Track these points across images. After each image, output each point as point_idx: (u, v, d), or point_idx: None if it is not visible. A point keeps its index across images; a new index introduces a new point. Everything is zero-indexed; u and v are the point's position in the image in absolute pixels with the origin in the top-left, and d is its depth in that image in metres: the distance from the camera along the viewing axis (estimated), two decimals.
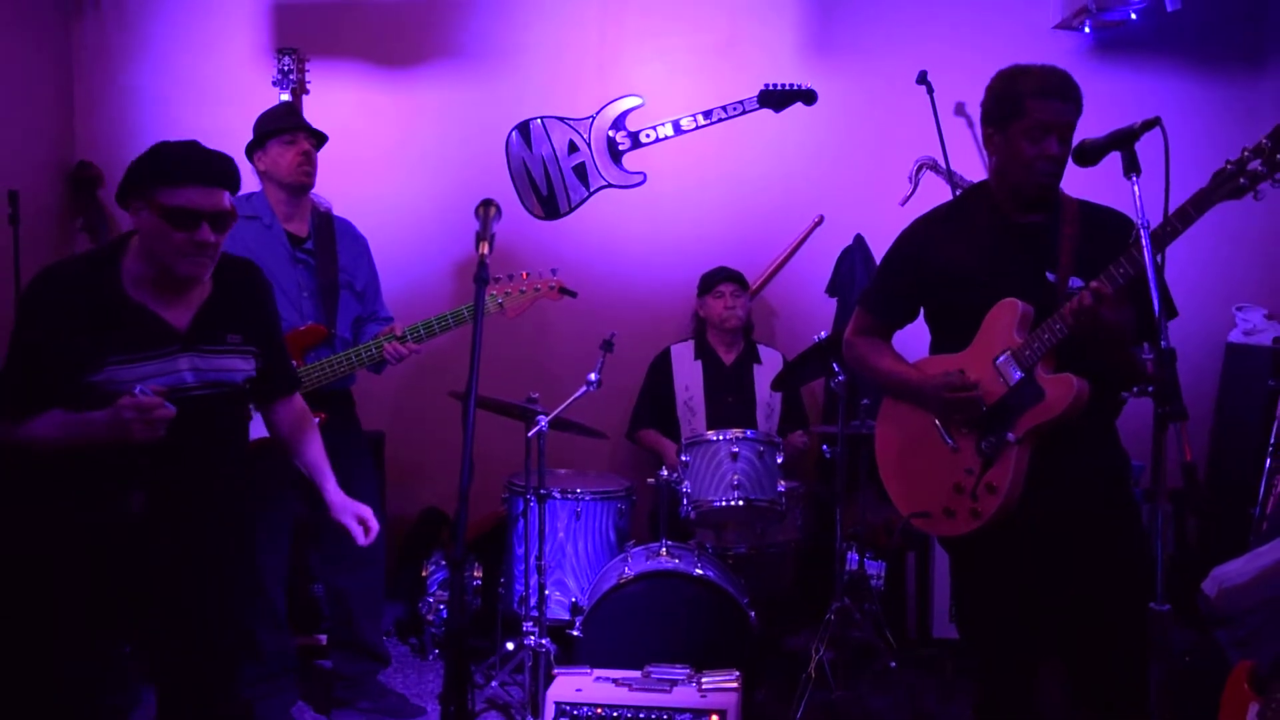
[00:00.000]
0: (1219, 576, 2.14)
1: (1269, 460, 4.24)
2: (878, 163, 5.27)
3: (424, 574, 4.68)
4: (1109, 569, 2.71)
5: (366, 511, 2.90)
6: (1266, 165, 2.32)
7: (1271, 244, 5.23)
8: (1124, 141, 2.35)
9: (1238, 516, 4.48)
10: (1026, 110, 2.68)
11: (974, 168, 5.16)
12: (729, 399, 4.85)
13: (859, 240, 5.23)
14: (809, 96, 5.25)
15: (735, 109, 5.26)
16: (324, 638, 4.43)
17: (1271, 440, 4.31)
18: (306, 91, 4.68)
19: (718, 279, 4.89)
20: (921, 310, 3.00)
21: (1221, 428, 5.10)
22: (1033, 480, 2.71)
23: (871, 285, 3.10)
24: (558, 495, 4.35)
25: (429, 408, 5.19)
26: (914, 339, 3.10)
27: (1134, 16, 4.92)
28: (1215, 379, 5.20)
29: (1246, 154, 2.34)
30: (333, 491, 2.89)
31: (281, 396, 2.90)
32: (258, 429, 2.93)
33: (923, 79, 5.07)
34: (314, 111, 4.50)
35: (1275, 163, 2.31)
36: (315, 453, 2.92)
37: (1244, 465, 4.66)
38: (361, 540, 2.88)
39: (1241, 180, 2.34)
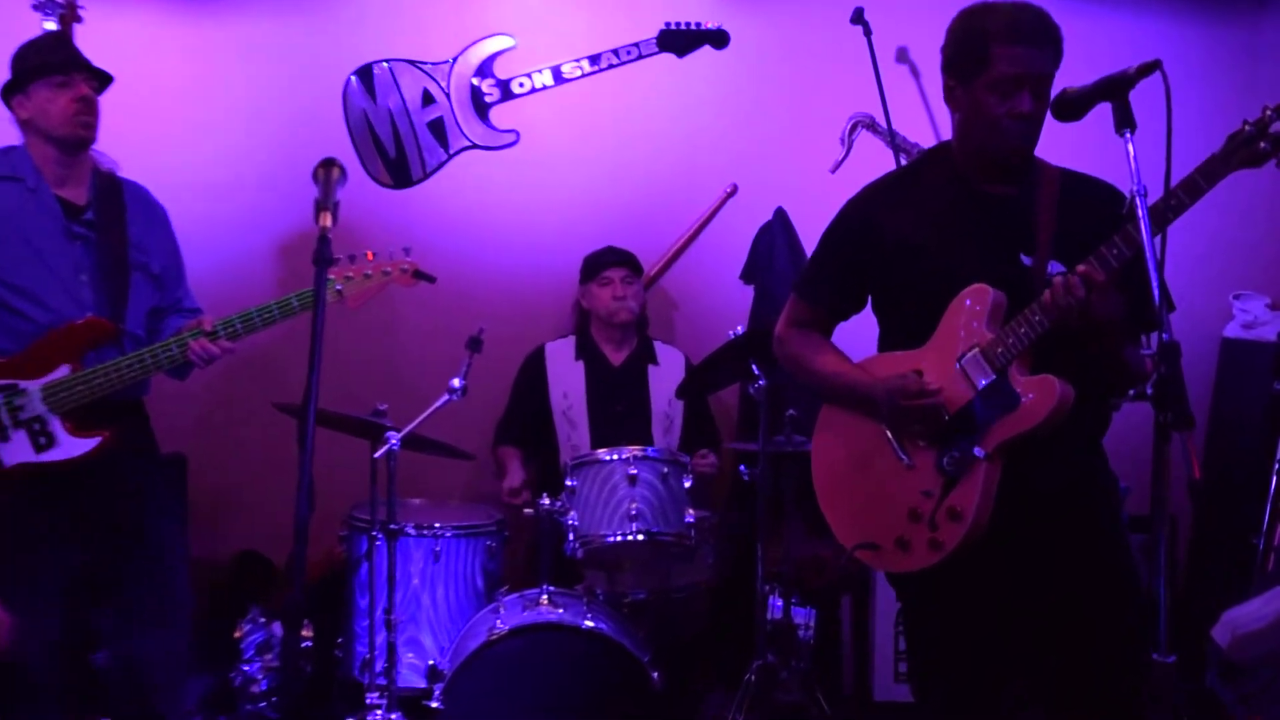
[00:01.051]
0: (1232, 621, 2.15)
1: (1275, 479, 4.35)
2: (803, 120, 5.30)
3: (238, 635, 4.55)
4: (1097, 612, 2.73)
5: None
6: None
7: (1277, 220, 5.40)
8: (1116, 90, 2.37)
9: (1237, 544, 4.61)
10: (992, 59, 2.69)
11: (920, 127, 5.23)
12: (617, 409, 4.85)
13: (780, 215, 5.24)
14: (719, 38, 5.25)
15: (629, 53, 5.25)
16: None
17: (1278, 455, 4.43)
18: (79, 19, 4.56)
19: (605, 262, 4.87)
20: (870, 298, 2.99)
21: (1216, 438, 5.25)
22: (1004, 504, 2.71)
23: (808, 268, 3.09)
24: (412, 531, 4.30)
25: (246, 423, 5.10)
26: (860, 333, 3.09)
27: None
28: (1209, 380, 5.36)
29: (1269, 113, 2.39)
30: None
31: None
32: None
33: (858, 18, 5.10)
34: (90, 45, 4.31)
35: None
36: None
37: (1244, 483, 4.79)
38: None
39: (1262, 145, 2.38)
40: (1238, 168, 2.42)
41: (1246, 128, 2.41)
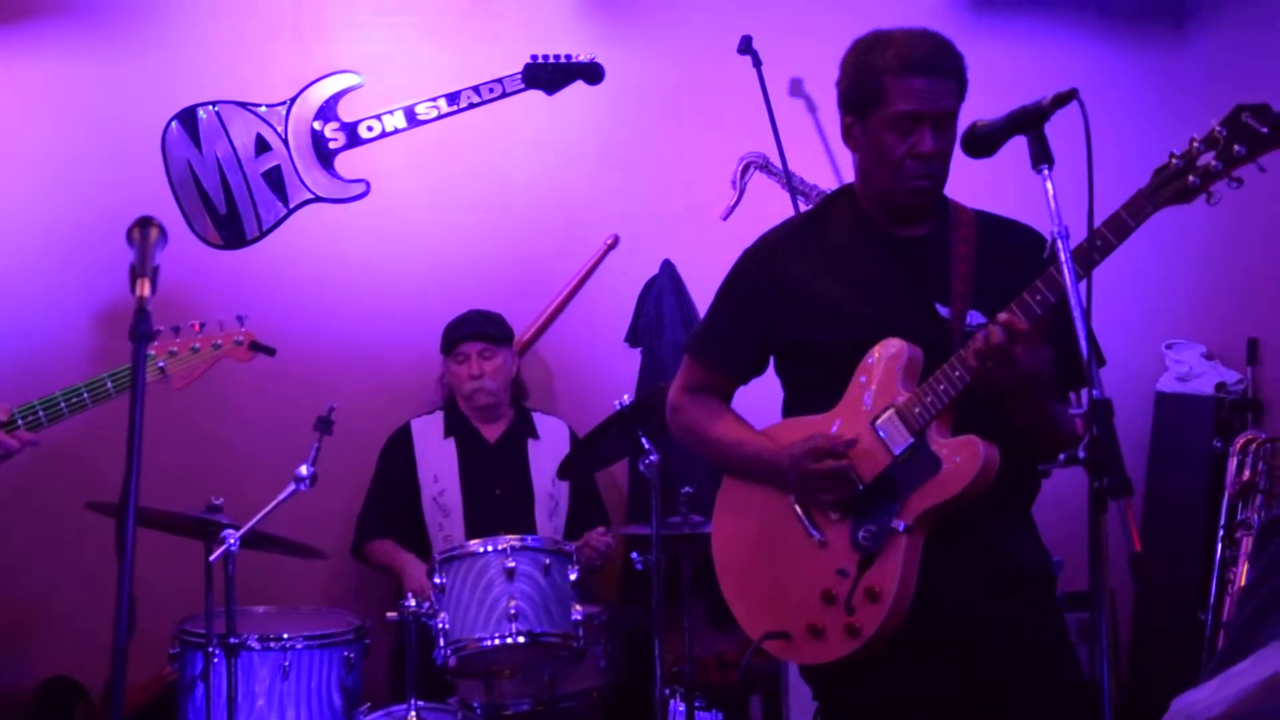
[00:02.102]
0: (1185, 709, 2.20)
1: (1220, 547, 4.46)
2: (690, 163, 5.38)
3: None
4: (1032, 702, 2.76)
5: None
6: (1222, 160, 2.43)
7: (1211, 260, 5.57)
8: (1030, 122, 2.44)
9: (1181, 621, 4.71)
10: (888, 95, 2.77)
11: (818, 166, 5.34)
12: (496, 492, 4.84)
13: (668, 268, 5.31)
14: (592, 73, 5.31)
15: (492, 90, 5.28)
16: None
17: (1222, 521, 4.55)
18: None
19: (458, 336, 4.89)
20: (771, 359, 3.03)
21: (1154, 503, 5.37)
22: (927, 583, 2.74)
23: (702, 327, 3.13)
24: (255, 644, 4.22)
25: (55, 527, 5.00)
26: (763, 399, 3.12)
27: None
28: (1143, 439, 5.48)
29: (1196, 145, 2.46)
30: None
31: None
32: None
33: (746, 48, 5.20)
34: None
35: (1232, 157, 2.42)
36: None
37: (1185, 553, 4.89)
38: None
39: (1191, 179, 2.45)
40: (1166, 204, 2.49)
41: (1174, 161, 2.48)
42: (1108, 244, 2.50)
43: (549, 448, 4.90)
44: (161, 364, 3.84)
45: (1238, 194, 2.47)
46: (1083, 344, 2.28)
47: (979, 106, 2.75)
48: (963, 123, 2.75)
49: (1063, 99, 2.43)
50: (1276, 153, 2.44)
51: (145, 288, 2.47)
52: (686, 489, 4.48)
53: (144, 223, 2.58)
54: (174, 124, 5.14)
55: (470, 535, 4.66)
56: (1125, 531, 2.14)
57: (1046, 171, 2.42)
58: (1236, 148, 2.42)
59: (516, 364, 5.02)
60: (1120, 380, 5.32)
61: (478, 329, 4.87)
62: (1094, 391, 2.24)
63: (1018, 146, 2.51)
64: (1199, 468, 5.05)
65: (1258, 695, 2.10)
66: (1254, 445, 4.69)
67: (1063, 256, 2.35)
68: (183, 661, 4.31)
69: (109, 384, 3.73)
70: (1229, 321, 5.45)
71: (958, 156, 2.79)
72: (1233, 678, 2.17)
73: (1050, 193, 2.38)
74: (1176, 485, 5.19)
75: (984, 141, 2.55)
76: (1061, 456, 2.25)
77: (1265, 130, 2.41)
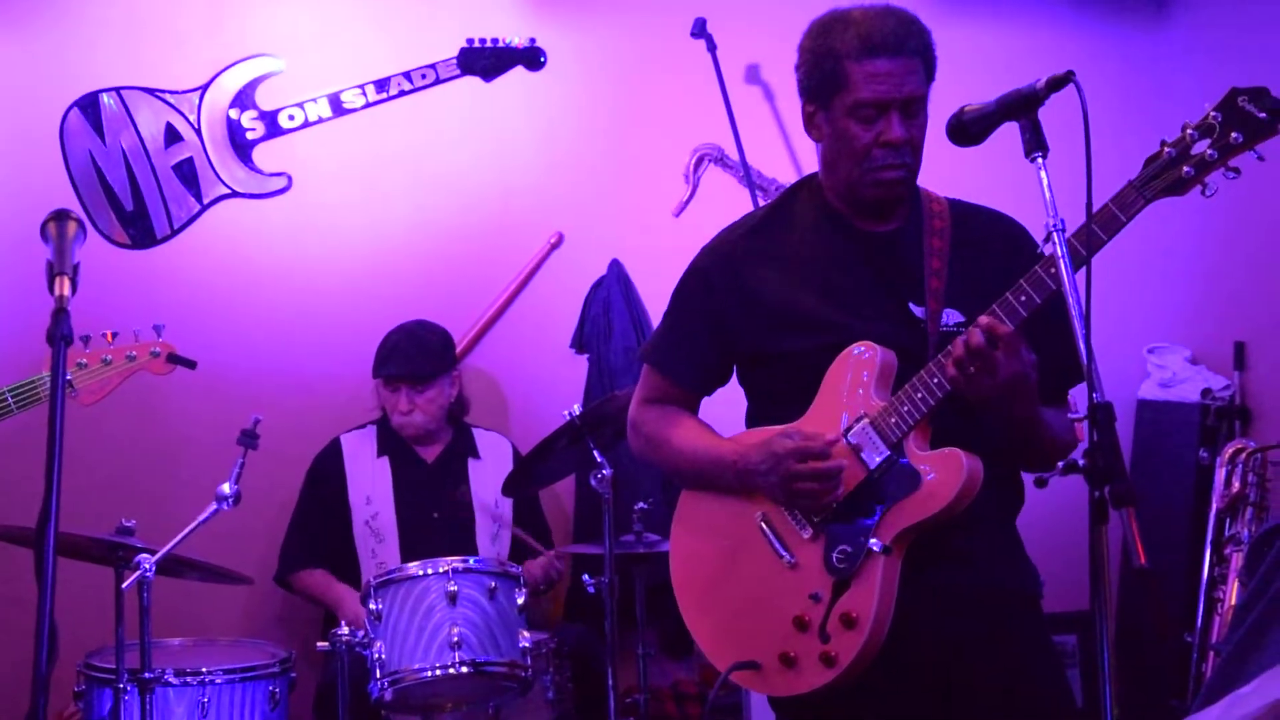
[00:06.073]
0: None
1: (1207, 565, 4.48)
2: (639, 155, 5.39)
3: None
4: None
5: None
6: (1217, 149, 2.45)
7: (1196, 257, 5.63)
8: (1023, 107, 2.44)
9: (1165, 642, 4.73)
10: (849, 79, 2.76)
11: (777, 158, 5.36)
12: (434, 515, 4.84)
13: (616, 268, 5.32)
14: (532, 58, 5.30)
15: (425, 77, 5.28)
16: None
17: (1209, 536, 4.57)
18: None
19: (388, 364, 4.83)
20: (735, 367, 3.02)
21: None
22: (907, 606, 2.73)
23: (659, 334, 3.11)
24: (172, 679, 4.17)
25: None
26: (729, 407, 3.12)
27: None
28: (1125, 449, 5.47)
29: (1189, 132, 2.47)
30: None
31: None
32: None
33: (700, 31, 5.21)
34: None
35: (1229, 145, 2.44)
36: None
37: (1169, 570, 4.92)
38: None
39: (1185, 170, 2.46)
40: (1158, 197, 2.50)
41: (1166, 150, 2.49)
42: (1097, 240, 2.50)
43: (490, 467, 4.89)
44: (69, 377, 3.79)
45: (1222, 184, 2.49)
46: (1081, 346, 2.28)
47: (949, 88, 2.76)
48: (935, 107, 2.78)
49: (1058, 82, 2.44)
50: (1274, 141, 2.46)
51: (65, 286, 2.47)
52: (641, 505, 4.49)
53: (60, 216, 2.57)
54: (73, 111, 5.10)
55: (406, 560, 4.62)
56: (1129, 544, 2.14)
57: (1041, 160, 2.43)
58: (1234, 135, 2.44)
59: (457, 387, 4.98)
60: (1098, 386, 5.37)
61: (407, 369, 4.82)
62: (1093, 395, 2.24)
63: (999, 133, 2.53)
64: (1184, 479, 5.09)
65: (1267, 718, 2.11)
66: (1243, 455, 4.70)
67: (1060, 250, 2.35)
68: (89, 699, 4.26)
69: (9, 399, 3.68)
70: (1215, 324, 5.49)
71: (929, 142, 2.80)
72: (1240, 700, 2.17)
73: (1045, 183, 2.39)
74: (1160, 498, 5.21)
75: (972, 129, 2.55)
76: (1060, 465, 2.25)
77: (1263, 116, 2.43)
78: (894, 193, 2.84)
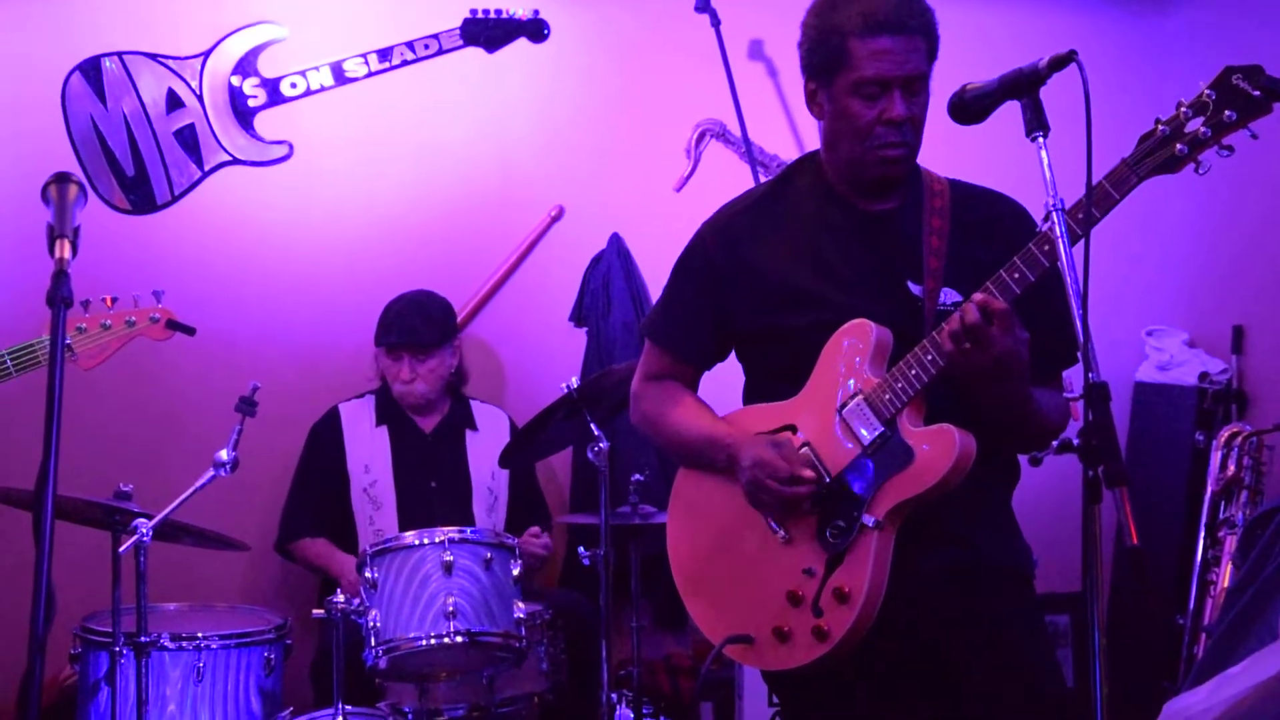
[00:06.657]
0: (1179, 713, 2.21)
1: (1201, 548, 4.50)
2: (640, 129, 5.39)
3: None
4: (1007, 711, 2.79)
5: None
6: (1210, 126, 2.45)
7: (1194, 240, 5.63)
8: (1025, 86, 2.45)
9: (1157, 625, 4.75)
10: (852, 57, 2.76)
11: (780, 135, 5.36)
12: (431, 484, 4.85)
13: (616, 242, 5.33)
14: (536, 30, 5.31)
15: (427, 47, 5.27)
16: None
17: (1204, 519, 4.59)
18: None
19: (390, 333, 4.85)
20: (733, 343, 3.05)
21: (1130, 499, 5.41)
22: (899, 583, 2.75)
23: (659, 308, 3.13)
24: (167, 644, 4.17)
25: None
26: (727, 386, 3.14)
27: None
28: (1121, 432, 5.51)
29: (1183, 110, 2.48)
30: None
31: None
32: None
33: (704, 6, 5.21)
34: None
35: (1222, 122, 2.45)
36: None
37: (1163, 552, 4.94)
38: None
39: (1179, 147, 2.47)
40: (1152, 174, 2.51)
41: (1160, 127, 2.50)
42: (1091, 218, 2.51)
43: (487, 439, 4.90)
44: (68, 340, 3.79)
45: (1222, 165, 2.49)
46: (1078, 325, 2.30)
47: (951, 69, 2.77)
48: (936, 87, 2.79)
49: (1061, 61, 2.44)
50: (1269, 119, 2.46)
51: (65, 249, 2.46)
52: (637, 476, 4.49)
53: (61, 178, 2.55)
54: (75, 75, 5.08)
55: (404, 529, 4.66)
56: (1122, 524, 2.15)
57: (1042, 140, 2.44)
58: (1227, 113, 2.44)
59: (458, 358, 5.00)
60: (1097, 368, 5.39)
61: (409, 337, 4.83)
62: (1089, 374, 2.26)
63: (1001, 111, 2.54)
64: (1179, 462, 5.11)
65: (1254, 699, 2.12)
66: (1239, 439, 4.72)
67: (1060, 231, 2.37)
68: (85, 662, 4.26)
69: (8, 362, 3.68)
70: (1213, 307, 5.52)
71: (929, 121, 2.82)
72: (1228, 681, 2.19)
73: (1046, 162, 2.40)
74: (1155, 480, 5.23)
75: (974, 107, 2.56)
76: (1054, 444, 2.27)
77: (1257, 94, 2.43)
78: (895, 171, 2.85)
